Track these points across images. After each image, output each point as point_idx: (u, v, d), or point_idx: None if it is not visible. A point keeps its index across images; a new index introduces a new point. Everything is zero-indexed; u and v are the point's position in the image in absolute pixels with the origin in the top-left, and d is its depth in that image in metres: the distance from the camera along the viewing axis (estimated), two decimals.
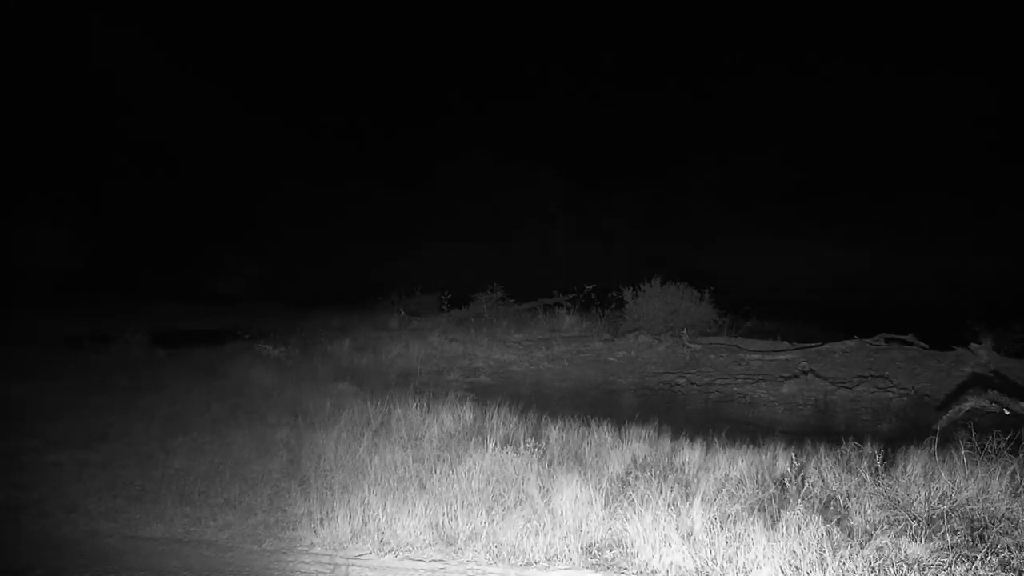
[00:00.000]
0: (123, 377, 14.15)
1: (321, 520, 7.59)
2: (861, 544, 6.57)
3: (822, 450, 8.75)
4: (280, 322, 18.65)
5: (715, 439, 9.28)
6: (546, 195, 28.93)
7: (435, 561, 6.96)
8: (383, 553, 7.14)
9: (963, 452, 8.26)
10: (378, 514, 7.51)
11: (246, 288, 24.99)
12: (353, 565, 6.96)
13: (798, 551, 6.41)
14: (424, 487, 8.09)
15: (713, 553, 6.53)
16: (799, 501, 7.22)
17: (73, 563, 7.13)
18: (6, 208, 24.16)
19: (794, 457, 8.38)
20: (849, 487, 7.68)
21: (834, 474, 8.03)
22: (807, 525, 6.66)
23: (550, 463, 8.65)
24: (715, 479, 8.00)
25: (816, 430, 11.00)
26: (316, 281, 24.84)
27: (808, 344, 15.74)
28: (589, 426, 9.93)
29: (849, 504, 7.34)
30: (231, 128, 29.22)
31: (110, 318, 18.97)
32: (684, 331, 16.92)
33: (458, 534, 7.22)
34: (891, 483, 7.76)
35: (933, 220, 27.52)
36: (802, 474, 7.99)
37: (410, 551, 7.13)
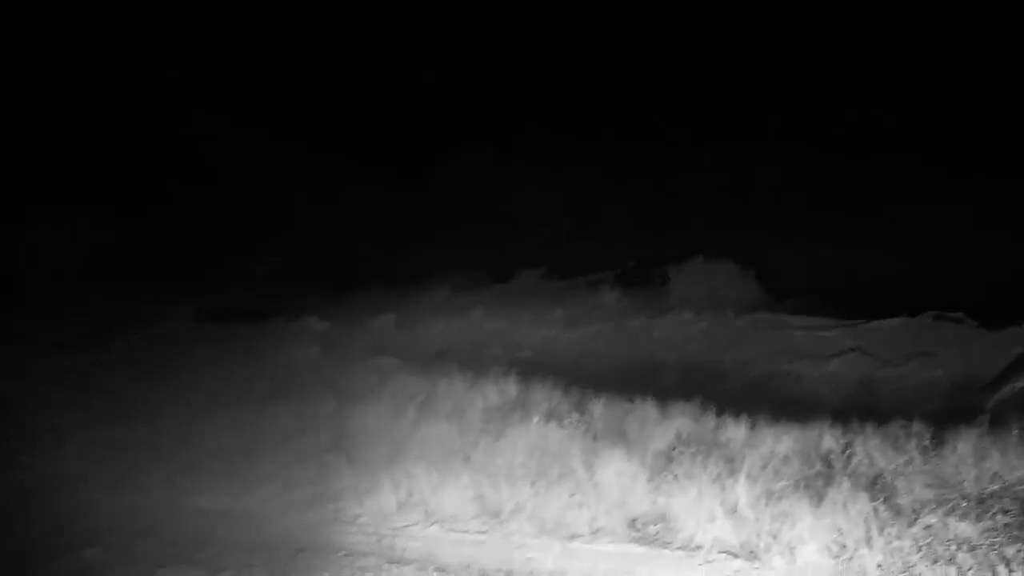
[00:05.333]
0: (167, 353, 14.36)
1: (366, 492, 7.70)
2: (909, 522, 6.50)
3: (868, 428, 8.62)
4: (323, 297, 18.76)
5: (760, 416, 9.20)
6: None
7: (479, 533, 7.03)
8: (428, 524, 7.23)
9: (1015, 432, 8.11)
10: (423, 486, 7.59)
11: (288, 264, 25.14)
12: (398, 536, 7.06)
13: (844, 528, 6.37)
14: (468, 460, 8.15)
15: (758, 529, 6.51)
16: (845, 478, 7.15)
17: (125, 531, 7.31)
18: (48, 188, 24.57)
19: (840, 434, 8.31)
20: (896, 465, 7.59)
21: (881, 452, 7.92)
22: (853, 502, 6.61)
23: (594, 437, 8.64)
24: (760, 455, 7.93)
25: (862, 408, 10.83)
26: (359, 256, 24.88)
27: (854, 321, 15.50)
28: (632, 401, 9.89)
29: (896, 482, 7.26)
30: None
31: (152, 295, 19.18)
32: (728, 307, 16.75)
33: (502, 507, 7.27)
34: (940, 462, 7.65)
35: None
36: (848, 451, 7.91)
37: (455, 523, 7.20)
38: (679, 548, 6.54)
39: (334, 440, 9.12)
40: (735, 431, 8.78)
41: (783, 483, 7.23)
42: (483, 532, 7.03)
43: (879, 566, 6.03)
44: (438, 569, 6.38)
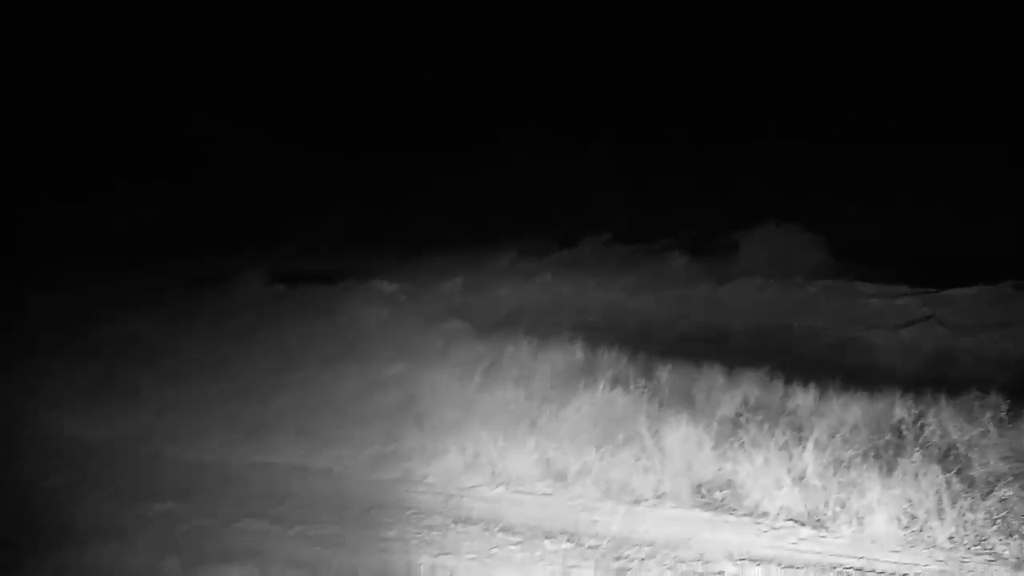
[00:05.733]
0: (241, 314, 14.68)
1: (433, 453, 7.82)
2: (982, 495, 6.40)
3: (942, 398, 8.46)
4: (393, 261, 18.95)
5: (829, 384, 9.07)
6: None
7: (545, 495, 7.10)
8: (494, 486, 7.32)
9: None
10: (489, 449, 7.68)
11: (359, 227, 25.43)
12: (465, 496, 7.16)
13: (915, 499, 6.29)
14: (534, 424, 8.21)
15: (826, 498, 6.47)
16: (917, 449, 7.04)
17: (200, 486, 7.55)
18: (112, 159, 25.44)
19: (912, 404, 8.17)
20: (971, 437, 7.44)
21: (954, 423, 7.78)
22: (925, 474, 6.51)
23: (660, 403, 8.62)
24: (828, 424, 7.85)
25: (936, 378, 10.60)
26: (427, 221, 25.05)
27: (929, 289, 15.15)
28: (699, 368, 9.84)
29: (970, 454, 7.13)
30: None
31: (227, 258, 19.59)
32: (798, 274, 16.49)
33: (568, 470, 7.33)
34: (1017, 434, 7.48)
35: None
36: (920, 422, 7.79)
37: (520, 485, 7.29)
38: (745, 515, 6.53)
39: (403, 402, 9.26)
40: (804, 399, 8.71)
41: (852, 452, 7.15)
42: (548, 495, 7.10)
43: (950, 538, 5.95)
44: (503, 530, 6.46)
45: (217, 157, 26.61)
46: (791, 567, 5.71)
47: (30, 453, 8.22)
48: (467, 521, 6.66)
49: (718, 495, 6.85)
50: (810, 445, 7.11)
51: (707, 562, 5.82)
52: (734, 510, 6.62)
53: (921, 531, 6.07)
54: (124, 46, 25.87)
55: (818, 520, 6.33)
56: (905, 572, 5.64)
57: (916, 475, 6.50)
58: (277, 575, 5.75)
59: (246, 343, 12.25)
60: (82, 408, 9.64)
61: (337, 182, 28.20)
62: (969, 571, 5.61)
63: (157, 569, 5.89)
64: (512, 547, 6.18)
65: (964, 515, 6.10)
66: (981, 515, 6.10)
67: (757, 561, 5.80)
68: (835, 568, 5.69)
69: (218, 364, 11.12)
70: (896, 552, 5.88)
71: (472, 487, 7.33)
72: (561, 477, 7.28)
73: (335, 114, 29.24)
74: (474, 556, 6.04)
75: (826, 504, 6.41)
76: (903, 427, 7.65)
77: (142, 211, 24.41)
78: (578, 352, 10.89)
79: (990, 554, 5.80)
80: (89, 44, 25.12)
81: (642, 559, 5.87)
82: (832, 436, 7.49)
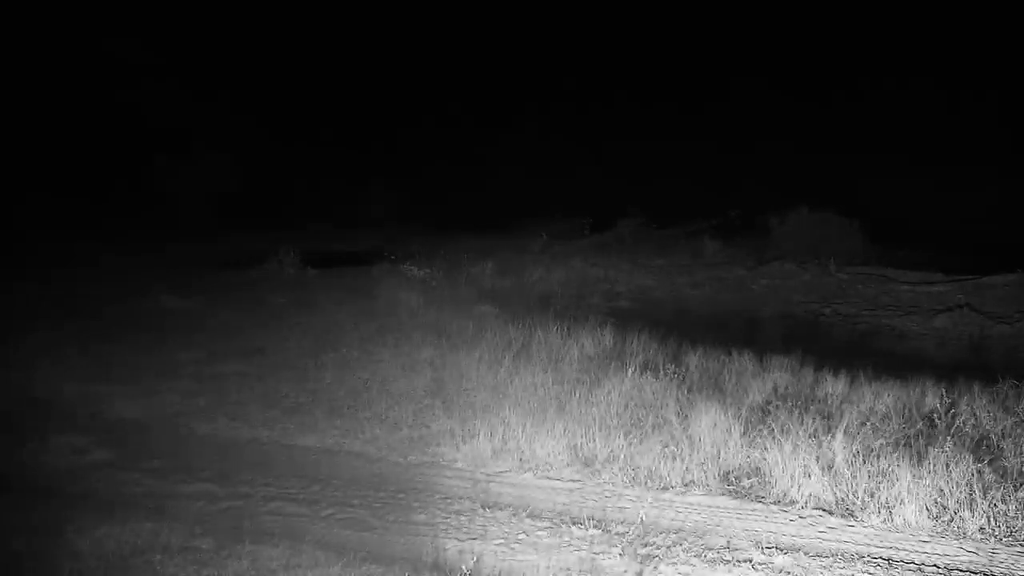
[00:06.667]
0: (277, 294, 14.87)
1: (463, 437, 7.88)
2: (1015, 486, 6.33)
3: (976, 387, 8.38)
4: (425, 245, 19.06)
5: (860, 372, 9.01)
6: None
7: (573, 481, 7.13)
8: (522, 471, 7.37)
9: None
10: (518, 434, 7.72)
11: (392, 212, 25.63)
12: (493, 481, 7.21)
13: (946, 489, 6.24)
14: (563, 409, 8.24)
15: (855, 487, 6.44)
16: (948, 438, 6.97)
17: (236, 465, 7.67)
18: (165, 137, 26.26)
19: (944, 393, 8.10)
20: (1004, 427, 7.36)
21: (988, 412, 7.71)
22: (956, 463, 6.46)
23: (689, 389, 8.64)
24: (859, 412, 7.82)
25: (970, 366, 10.50)
26: (461, 206, 25.20)
27: (964, 276, 14.97)
28: (730, 354, 9.82)
29: (1003, 444, 7.06)
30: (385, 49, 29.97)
31: (263, 239, 19.84)
32: (831, 260, 16.37)
33: (596, 456, 7.36)
34: None
35: None
36: (953, 411, 7.71)
37: (548, 470, 7.32)
38: (773, 502, 6.52)
39: (434, 385, 9.34)
40: (834, 386, 8.68)
41: (882, 441, 7.11)
42: (576, 480, 7.13)
43: (981, 529, 5.91)
44: (531, 515, 6.50)
45: (255, 143, 27.28)
46: (819, 556, 5.70)
47: (70, 429, 8.41)
48: (495, 506, 6.70)
49: (746, 483, 6.84)
50: (839, 433, 7.08)
51: (734, 550, 5.83)
52: (762, 498, 6.61)
53: (951, 521, 6.03)
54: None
55: (847, 509, 6.31)
56: (935, 563, 5.61)
57: (947, 465, 6.45)
58: (308, 557, 5.83)
59: (282, 324, 12.42)
60: (121, 385, 9.83)
61: (372, 168, 28.52)
62: (1000, 562, 5.57)
63: (192, 547, 6.00)
64: (539, 532, 6.23)
65: (996, 506, 6.05)
66: (1013, 506, 6.04)
67: (785, 549, 5.79)
68: (863, 558, 5.67)
69: (256, 344, 11.30)
70: (925, 542, 5.85)
71: (501, 472, 7.38)
72: (589, 463, 7.31)
73: (370, 101, 29.60)
74: (501, 541, 6.09)
75: (855, 493, 6.39)
76: (935, 416, 7.57)
77: (193, 189, 25.26)
78: (608, 337, 10.91)
79: (1021, 545, 5.75)
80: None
81: (669, 546, 5.88)
82: (863, 424, 7.46)
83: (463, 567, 4.94)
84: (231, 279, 16.45)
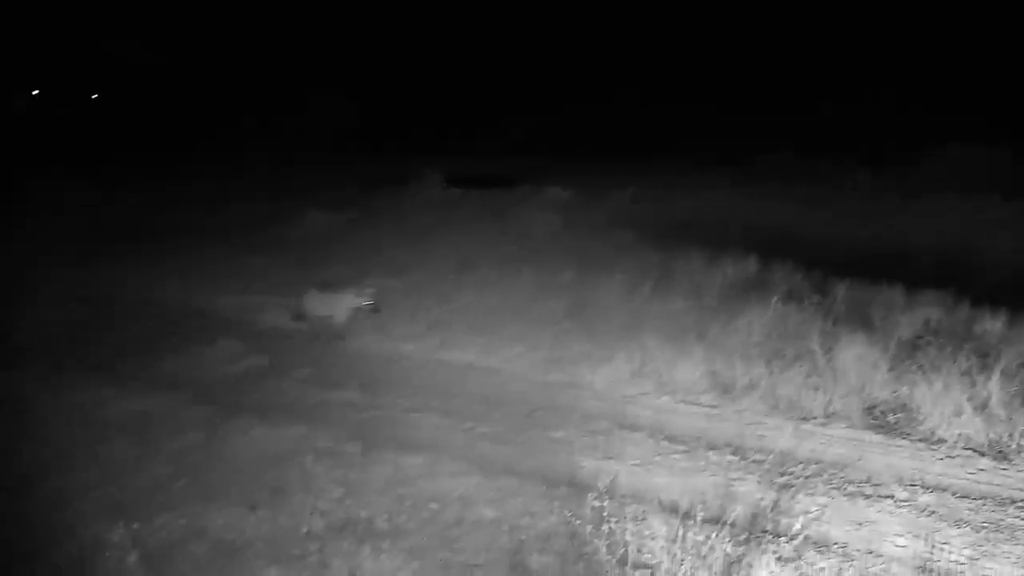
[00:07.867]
0: (420, 214, 15.17)
1: (601, 360, 7.93)
2: None
3: None
4: (567, 169, 19.00)
5: (1021, 310, 8.50)
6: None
7: (711, 407, 7.11)
8: (660, 395, 7.39)
9: None
10: (656, 358, 7.72)
11: (536, 136, 25.62)
12: (630, 403, 7.27)
13: None
14: (703, 336, 8.17)
15: (1010, 429, 6.17)
16: None
17: (382, 378, 7.99)
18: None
19: None
20: None
21: None
22: None
23: (834, 321, 8.39)
24: (1018, 352, 7.40)
25: None
26: (602, 135, 24.94)
27: None
28: (879, 286, 9.45)
29: None
30: None
31: (406, 162, 20.20)
32: (995, 190, 15.37)
33: (735, 383, 7.30)
34: None
35: None
36: None
37: (686, 395, 7.33)
38: (919, 440, 6.33)
39: (573, 308, 9.40)
40: (991, 324, 8.22)
41: None
42: (715, 406, 7.11)
43: None
44: (667, 438, 6.53)
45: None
46: (967, 497, 5.53)
47: (222, 339, 8.92)
48: (632, 427, 6.76)
49: (891, 418, 6.66)
50: (996, 374, 6.74)
51: (876, 484, 5.72)
52: (908, 434, 6.44)
53: None
54: None
55: (1000, 451, 6.07)
56: None
57: None
58: (448, 466, 6.05)
59: (425, 243, 12.69)
60: (275, 297, 10.32)
61: (515, 92, 28.57)
62: None
63: (340, 451, 6.33)
64: (676, 456, 6.27)
65: None
66: None
67: (930, 488, 5.64)
68: (1016, 503, 5.46)
69: (400, 262, 11.60)
70: None
71: (638, 395, 7.43)
72: (728, 390, 7.26)
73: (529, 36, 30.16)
74: (638, 462, 6.16)
75: (1010, 435, 6.13)
76: None
77: (331, 121, 26.53)
78: (751, 265, 10.70)
79: None
80: None
81: (808, 476, 5.83)
82: (1022, 365, 7.08)
83: (599, 485, 5.02)
84: (376, 199, 16.86)
